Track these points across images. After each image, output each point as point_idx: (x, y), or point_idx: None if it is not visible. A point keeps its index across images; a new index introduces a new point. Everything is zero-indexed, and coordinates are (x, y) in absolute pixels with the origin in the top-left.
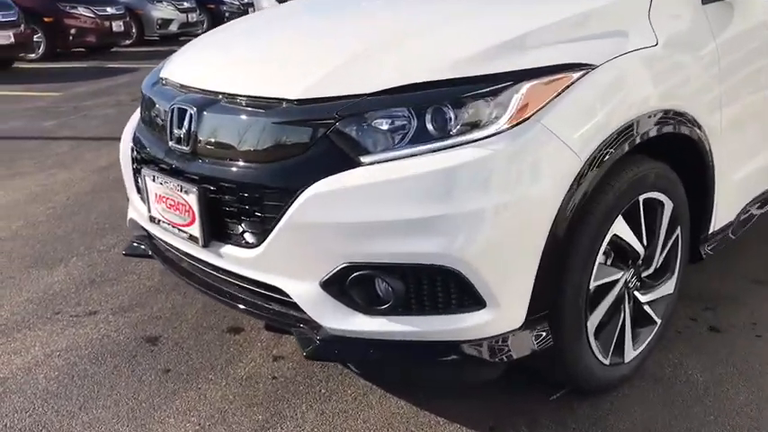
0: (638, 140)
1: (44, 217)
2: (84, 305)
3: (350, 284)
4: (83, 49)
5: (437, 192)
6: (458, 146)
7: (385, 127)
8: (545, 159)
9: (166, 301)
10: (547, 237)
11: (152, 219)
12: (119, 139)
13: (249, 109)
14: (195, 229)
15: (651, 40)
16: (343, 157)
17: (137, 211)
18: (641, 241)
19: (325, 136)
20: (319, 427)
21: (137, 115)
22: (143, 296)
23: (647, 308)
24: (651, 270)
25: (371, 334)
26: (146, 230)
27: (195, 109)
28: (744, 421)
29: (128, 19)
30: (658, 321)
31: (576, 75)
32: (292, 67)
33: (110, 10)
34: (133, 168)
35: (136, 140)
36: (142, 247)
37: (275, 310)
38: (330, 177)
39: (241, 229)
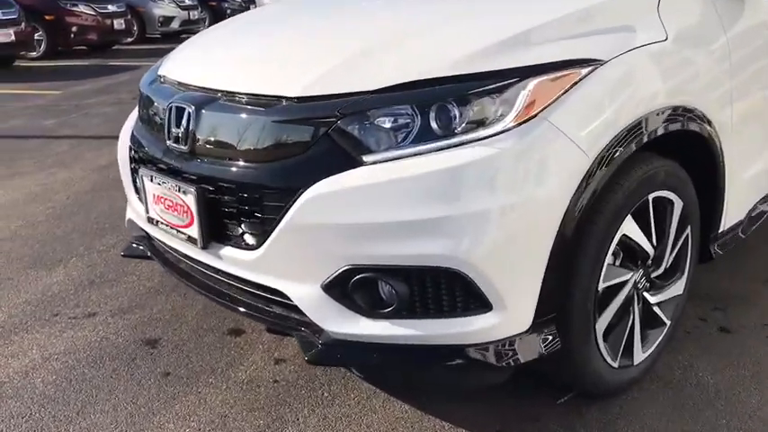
0: (648, 138)
1: (43, 217)
2: (83, 307)
3: (352, 287)
4: (84, 47)
5: (442, 192)
6: (463, 144)
7: (388, 125)
8: (553, 158)
9: (166, 302)
10: (555, 237)
11: (150, 220)
12: (119, 137)
13: (248, 107)
14: (194, 231)
15: (661, 35)
16: (345, 156)
17: (135, 211)
18: (651, 241)
19: (326, 135)
20: None
21: (135, 114)
22: (142, 297)
23: (656, 309)
24: (661, 270)
25: (374, 338)
26: (144, 231)
27: (193, 107)
28: (756, 425)
29: (129, 17)
30: (668, 323)
31: (584, 71)
32: (293, 64)
33: (111, 8)
34: (131, 168)
35: (133, 140)
36: (141, 247)
37: (276, 313)
38: (331, 177)
39: (240, 231)
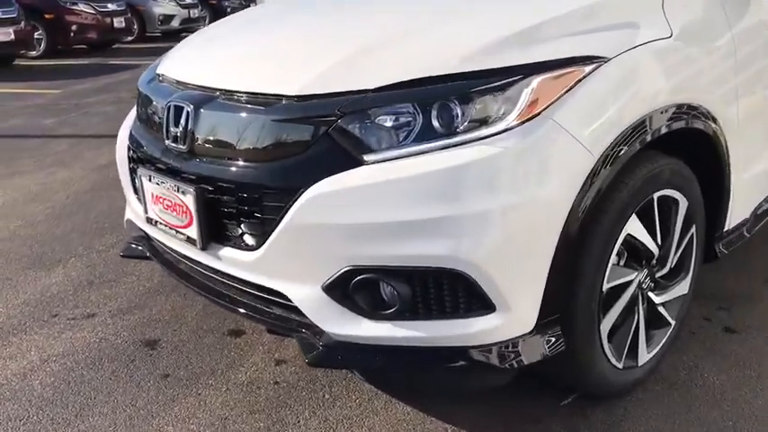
0: (652, 136)
1: (43, 216)
2: (83, 307)
3: (353, 288)
4: (84, 46)
5: (444, 192)
6: (465, 143)
7: (389, 124)
8: (557, 157)
9: (166, 302)
10: (559, 237)
11: (149, 220)
12: (117, 136)
13: (248, 106)
14: (193, 231)
15: (665, 32)
16: (346, 155)
17: (134, 211)
18: (655, 240)
19: (326, 134)
20: None
21: (133, 113)
22: (142, 298)
23: (661, 309)
24: (665, 270)
25: (376, 339)
26: (144, 231)
27: (192, 106)
28: (763, 427)
29: (129, 15)
30: (672, 323)
31: (588, 68)
32: (292, 62)
33: (111, 6)
34: (129, 168)
35: (132, 139)
36: (140, 248)
37: (277, 315)
38: (332, 177)
39: (240, 231)
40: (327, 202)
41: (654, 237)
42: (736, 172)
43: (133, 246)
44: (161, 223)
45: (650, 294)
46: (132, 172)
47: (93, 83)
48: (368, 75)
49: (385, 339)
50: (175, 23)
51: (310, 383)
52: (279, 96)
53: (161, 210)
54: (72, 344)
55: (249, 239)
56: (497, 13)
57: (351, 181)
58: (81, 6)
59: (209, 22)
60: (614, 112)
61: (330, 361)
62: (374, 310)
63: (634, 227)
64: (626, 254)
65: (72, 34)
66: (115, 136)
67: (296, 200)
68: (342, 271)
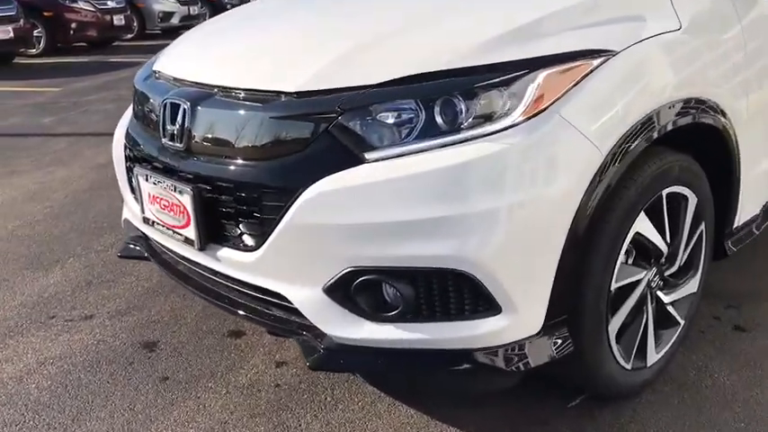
0: (662, 131)
1: (41, 216)
2: (80, 309)
3: (355, 290)
4: (84, 44)
5: (447, 190)
6: (469, 140)
7: (391, 121)
8: (564, 153)
9: (165, 303)
10: (566, 236)
11: (146, 220)
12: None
13: (246, 103)
14: (190, 232)
15: (674, 24)
16: (347, 153)
17: (131, 211)
18: (664, 238)
19: (326, 131)
20: None
21: (130, 111)
22: (141, 299)
23: (670, 308)
24: (674, 268)
25: (379, 342)
26: (141, 231)
27: (189, 103)
28: None
29: (129, 12)
30: (682, 322)
31: (595, 62)
32: (291, 58)
33: (110, 3)
34: (126, 167)
35: (128, 137)
36: (137, 248)
37: (277, 317)
38: (332, 175)
39: (239, 232)
40: (328, 201)
41: (663, 234)
42: (745, 167)
43: (131, 246)
44: (158, 223)
45: (659, 293)
46: (129, 171)
47: (93, 81)
48: (368, 70)
49: (387, 342)
50: (175, 20)
51: (312, 386)
52: (277, 93)
53: (158, 210)
54: (69, 346)
55: (248, 240)
56: (500, 8)
57: (352, 180)
58: (80, 4)
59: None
60: (623, 107)
61: (332, 364)
62: (376, 311)
63: (643, 225)
64: (634, 252)
65: (71, 32)
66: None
67: (295, 199)
68: (343, 272)
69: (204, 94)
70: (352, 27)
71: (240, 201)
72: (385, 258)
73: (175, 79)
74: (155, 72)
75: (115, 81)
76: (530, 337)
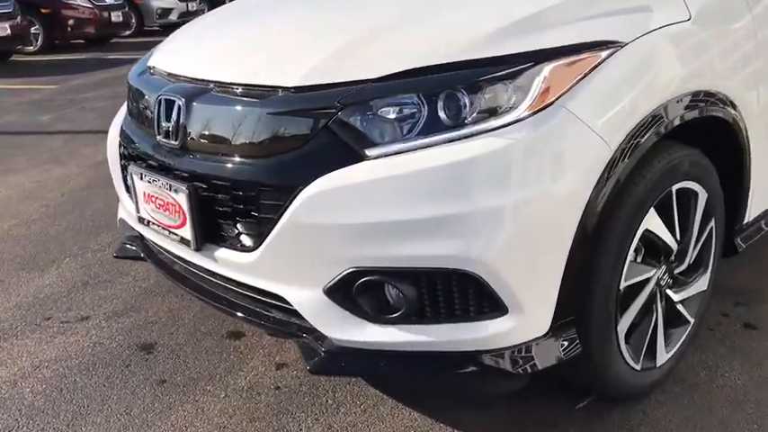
0: (672, 125)
1: (37, 215)
2: (76, 310)
3: (357, 291)
4: (81, 41)
5: (451, 188)
6: (474, 136)
7: (392, 116)
8: (571, 149)
9: (162, 304)
10: (574, 234)
11: (141, 220)
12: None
13: (242, 99)
14: (186, 232)
15: (684, 14)
16: (347, 150)
17: (126, 210)
18: (674, 235)
19: (326, 127)
20: None
21: (125, 108)
22: (138, 299)
23: (679, 307)
24: (684, 266)
25: (381, 345)
26: (137, 230)
27: (184, 100)
28: None
29: (127, 9)
30: (691, 321)
31: (603, 54)
32: (289, 52)
33: (108, 0)
34: (121, 165)
35: (123, 135)
36: (133, 248)
37: (276, 319)
38: (332, 173)
39: (236, 232)
40: (328, 199)
41: (672, 231)
42: (756, 161)
43: (127, 246)
44: (153, 223)
45: (669, 292)
46: (123, 169)
47: (90, 78)
48: (369, 64)
49: (390, 344)
50: (173, 17)
51: (313, 388)
52: (275, 88)
53: (153, 209)
54: (65, 348)
55: (246, 240)
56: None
57: (352, 177)
58: (78, 1)
59: None
60: (632, 101)
61: (333, 367)
62: (379, 313)
63: (652, 221)
64: (643, 250)
65: (69, 29)
66: None
67: (294, 198)
68: (344, 273)
69: (199, 90)
70: (350, 21)
71: (237, 200)
72: (387, 258)
73: (170, 75)
74: (149, 68)
75: (113, 78)
76: (537, 338)
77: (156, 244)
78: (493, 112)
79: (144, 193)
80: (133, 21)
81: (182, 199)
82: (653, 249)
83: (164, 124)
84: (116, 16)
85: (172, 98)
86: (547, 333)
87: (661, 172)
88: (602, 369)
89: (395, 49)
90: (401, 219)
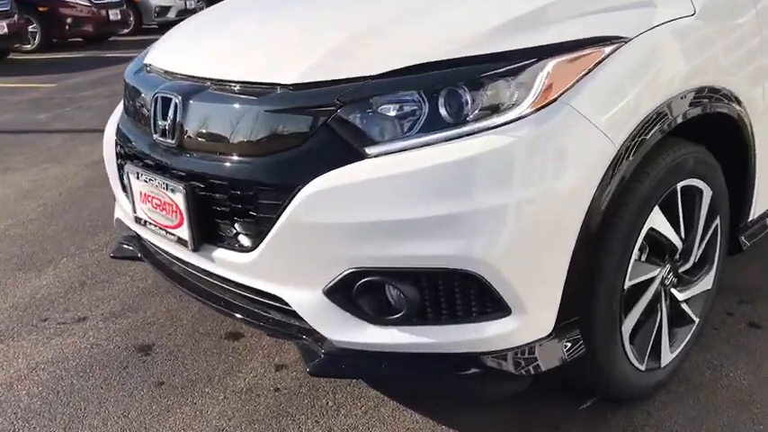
0: (677, 122)
1: (34, 215)
2: (73, 311)
3: (357, 292)
4: (80, 40)
5: (453, 186)
6: (476, 133)
7: (393, 113)
8: (575, 146)
9: (160, 304)
10: (578, 234)
11: (138, 220)
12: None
13: (240, 96)
14: (184, 232)
15: (688, 9)
16: (347, 148)
17: (123, 210)
18: (679, 234)
19: (325, 125)
20: None
21: (121, 106)
22: (136, 300)
23: (684, 306)
24: (689, 265)
25: (382, 346)
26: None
27: (180, 97)
28: None
29: (125, 7)
30: (696, 320)
31: (607, 49)
32: (287, 49)
33: None
34: (117, 164)
35: (119, 133)
36: (131, 248)
37: (275, 320)
38: (332, 172)
39: (234, 231)
40: (327, 199)
41: (677, 230)
42: (761, 157)
43: (124, 246)
44: (150, 223)
45: (673, 291)
46: (120, 168)
47: (89, 76)
48: (369, 61)
49: (391, 346)
50: (172, 15)
51: (313, 390)
52: (273, 85)
53: (150, 209)
54: (62, 350)
55: (244, 240)
56: None
57: (352, 176)
58: None
59: None
60: (636, 97)
61: (333, 369)
62: (379, 314)
63: (657, 220)
64: (648, 249)
65: (67, 27)
66: None
67: (293, 197)
68: (344, 273)
69: (196, 88)
70: (348, 17)
71: (235, 199)
72: (388, 259)
73: (167, 72)
74: (146, 65)
75: (111, 77)
76: (540, 339)
77: (153, 244)
78: (495, 110)
79: (140, 193)
80: (131, 19)
81: (179, 198)
82: (657, 248)
83: (160, 122)
84: (114, 14)
85: (168, 96)
86: (550, 334)
87: (666, 169)
88: (606, 370)
89: (395, 46)
90: (402, 218)
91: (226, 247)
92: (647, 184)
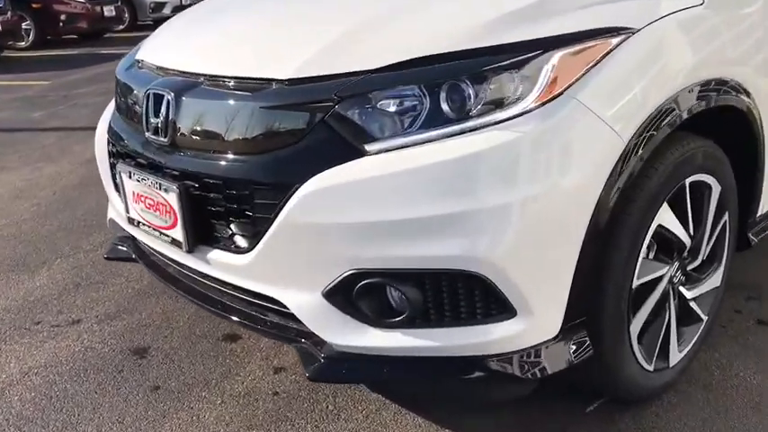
0: (687, 115)
1: (28, 215)
2: (67, 313)
3: (357, 294)
4: (74, 36)
5: (456, 184)
6: (479, 129)
7: (392, 109)
8: (583, 142)
9: (156, 306)
10: (585, 232)
11: (131, 220)
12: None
13: (234, 92)
14: (178, 233)
15: None
16: (345, 145)
17: (116, 210)
18: (687, 230)
19: (322, 121)
20: None
21: (113, 104)
22: (131, 301)
23: (692, 304)
24: (698, 262)
25: (384, 350)
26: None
27: (173, 94)
28: None
29: (119, 3)
30: (705, 318)
31: (614, 40)
32: (282, 43)
33: None
34: (109, 163)
35: (111, 132)
36: (125, 249)
37: (273, 323)
38: (330, 170)
39: (230, 232)
40: (325, 198)
41: (686, 226)
42: None
43: (118, 247)
44: (143, 224)
45: (681, 289)
46: (112, 168)
47: (83, 73)
48: (367, 54)
49: (393, 350)
50: (167, 11)
51: (312, 393)
52: (268, 80)
53: (143, 209)
54: (55, 354)
55: (240, 241)
56: None
57: (351, 174)
58: None
59: None
60: (645, 90)
61: (333, 374)
62: (381, 317)
63: (665, 216)
64: (656, 246)
65: (61, 24)
66: None
67: (290, 196)
68: (344, 275)
69: (189, 84)
70: (347, 10)
71: (230, 199)
72: (389, 260)
73: (159, 68)
74: (137, 61)
75: (106, 73)
76: (546, 341)
77: (147, 245)
78: (499, 104)
79: (133, 193)
80: (126, 15)
81: (172, 198)
82: (666, 245)
83: (152, 120)
84: (109, 11)
85: (160, 92)
86: (557, 336)
87: (674, 165)
88: (613, 371)
89: (394, 39)
90: (403, 218)
91: (221, 249)
92: (655, 180)
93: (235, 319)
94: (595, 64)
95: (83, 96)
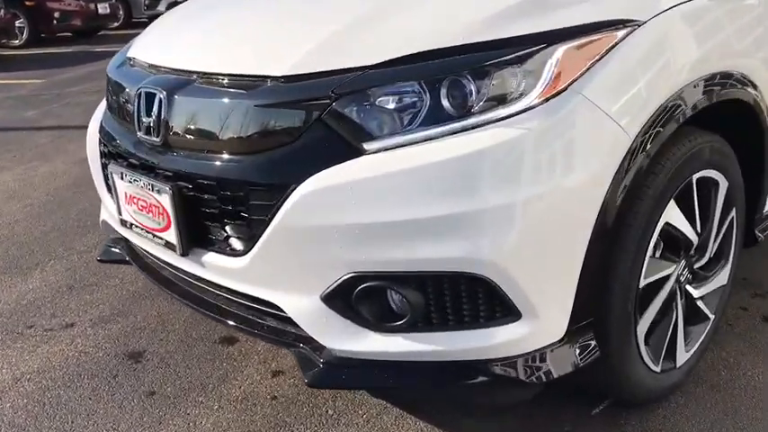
0: (694, 109)
1: (21, 215)
2: (61, 316)
3: (357, 298)
4: (68, 34)
5: (458, 183)
6: (481, 126)
7: (392, 106)
8: (588, 138)
9: (151, 308)
10: (591, 231)
11: (123, 222)
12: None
13: (228, 90)
14: (171, 235)
15: None
16: (343, 144)
17: (109, 212)
18: (695, 228)
19: (319, 119)
20: None
21: (104, 103)
22: (125, 304)
23: (699, 303)
24: (705, 260)
25: (385, 355)
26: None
27: (165, 92)
28: None
29: (114, 1)
30: (712, 317)
31: (620, 33)
32: (278, 39)
33: None
34: (101, 163)
35: (103, 131)
36: (118, 251)
37: (271, 327)
38: (327, 170)
39: (225, 235)
40: (323, 198)
41: (693, 224)
42: None
43: (111, 249)
44: (136, 226)
45: (688, 288)
46: (104, 168)
47: (78, 71)
48: (365, 50)
49: (395, 355)
50: (162, 8)
51: (311, 398)
52: (263, 78)
53: (135, 211)
54: (48, 359)
55: (235, 244)
56: None
57: (349, 174)
58: None
59: None
60: (651, 84)
61: (332, 380)
62: (381, 321)
63: (672, 214)
64: (662, 244)
65: (55, 22)
66: None
67: (287, 197)
68: (342, 278)
69: (182, 82)
70: (343, 5)
71: (225, 200)
72: (389, 262)
73: (151, 66)
74: (129, 59)
75: (100, 71)
76: (552, 344)
77: (141, 247)
78: (501, 100)
79: (125, 194)
80: (121, 12)
81: (165, 200)
82: (673, 243)
83: (144, 119)
84: (103, 8)
85: (153, 91)
86: (562, 338)
87: (682, 160)
88: (620, 373)
89: (393, 34)
90: (403, 219)
91: (216, 251)
92: (662, 177)
93: (231, 323)
94: (600, 58)
95: (77, 95)
